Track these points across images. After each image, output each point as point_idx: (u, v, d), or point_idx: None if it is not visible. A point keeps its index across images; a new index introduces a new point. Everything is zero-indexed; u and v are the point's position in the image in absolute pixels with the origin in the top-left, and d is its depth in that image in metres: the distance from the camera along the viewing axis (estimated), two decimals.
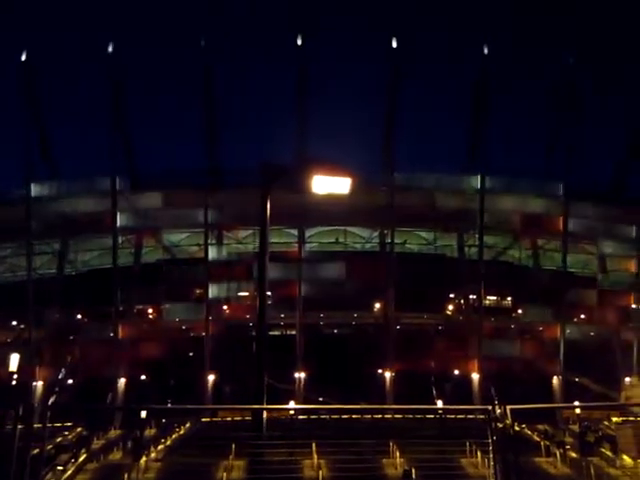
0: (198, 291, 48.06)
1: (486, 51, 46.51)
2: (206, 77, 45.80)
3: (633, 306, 49.79)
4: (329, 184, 7.37)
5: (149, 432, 33.83)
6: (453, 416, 29.61)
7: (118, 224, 46.31)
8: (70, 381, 42.77)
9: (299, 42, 44.78)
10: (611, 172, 51.35)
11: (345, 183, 7.34)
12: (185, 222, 48.12)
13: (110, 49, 45.20)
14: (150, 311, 50.48)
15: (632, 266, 50.71)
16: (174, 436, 32.69)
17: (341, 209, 42.69)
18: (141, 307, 50.01)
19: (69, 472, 23.94)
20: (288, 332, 48.15)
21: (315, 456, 23.58)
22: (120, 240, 47.91)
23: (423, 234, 53.76)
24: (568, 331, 47.89)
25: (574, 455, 27.19)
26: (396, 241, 48.07)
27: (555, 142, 49.69)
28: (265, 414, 6.99)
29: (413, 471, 20.32)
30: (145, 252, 52.11)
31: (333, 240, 53.28)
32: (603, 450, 28.41)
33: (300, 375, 44.76)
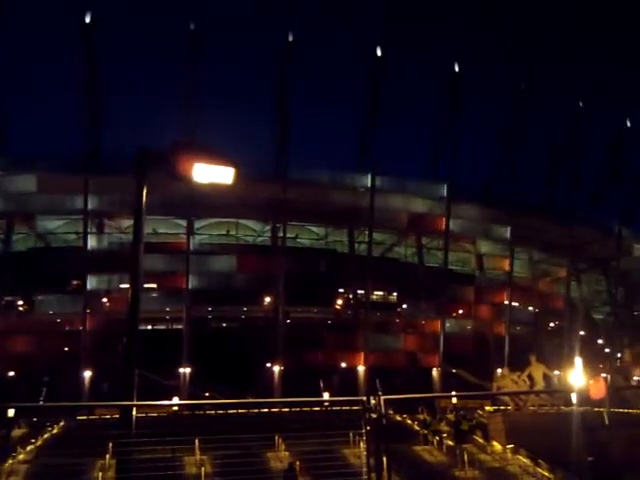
0: (75, 282, 45.30)
1: (379, 53, 47.61)
2: (88, 57, 42.99)
3: (506, 302, 53.21)
4: (211, 173, 6.93)
5: (18, 432, 31.51)
6: (338, 408, 30.01)
7: None
8: None
9: (191, 27, 43.36)
10: (489, 175, 54.57)
11: (228, 173, 6.92)
12: (61, 208, 45.18)
13: None
14: (21, 303, 46.95)
15: (506, 264, 54.16)
16: (46, 436, 30.58)
17: (233, 201, 41.98)
18: (11, 298, 46.36)
19: None
20: (174, 326, 46.75)
21: (198, 452, 23.02)
22: None
23: (314, 229, 54.27)
24: (448, 325, 50.41)
25: (450, 443, 28.55)
26: (288, 235, 48.13)
27: (440, 144, 51.96)
28: (135, 410, 6.52)
29: (297, 464, 20.35)
30: (16, 239, 48.31)
31: (224, 232, 52.37)
32: (476, 437, 30.09)
33: (186, 370, 43.52)
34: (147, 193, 7.12)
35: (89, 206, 43.61)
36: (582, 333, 54.13)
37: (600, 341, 60.26)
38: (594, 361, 50.76)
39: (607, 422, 27.29)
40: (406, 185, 50.41)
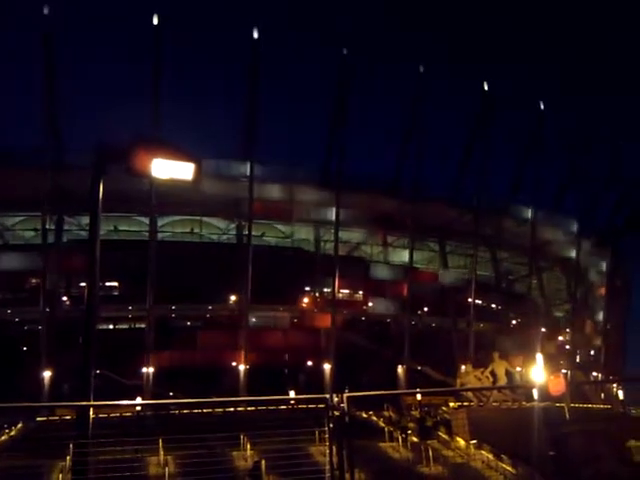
0: (34, 280, 44.14)
1: (345, 51, 47.65)
2: (46, 49, 41.77)
3: (469, 300, 53.95)
4: (171, 169, 6.78)
5: None
6: (304, 406, 29.98)
7: None
8: None
9: (155, 22, 42.65)
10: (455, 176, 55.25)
11: (189, 168, 6.78)
12: (19, 204, 43.96)
13: None
14: None
15: (469, 263, 54.90)
16: (3, 438, 29.74)
17: (197, 198, 41.53)
18: None
19: None
20: (137, 325, 46.02)
21: (162, 452, 22.68)
22: None
23: (280, 227, 54.06)
24: (413, 323, 50.88)
25: (414, 439, 28.78)
26: (253, 233, 47.79)
27: (405, 146, 52.37)
28: (96, 411, 6.36)
29: (263, 462, 20.21)
30: None
31: (188, 230, 51.75)
32: (440, 433, 30.41)
33: (149, 370, 42.83)
34: (108, 189, 6.96)
35: (48, 202, 42.53)
36: (543, 330, 55.26)
37: (561, 338, 61.63)
38: (555, 357, 51.96)
39: (568, 417, 27.91)
40: (372, 184, 50.64)
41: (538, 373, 31.90)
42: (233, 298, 48.33)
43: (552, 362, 46.24)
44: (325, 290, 50.73)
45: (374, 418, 33.74)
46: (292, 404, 33.06)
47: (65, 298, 45.00)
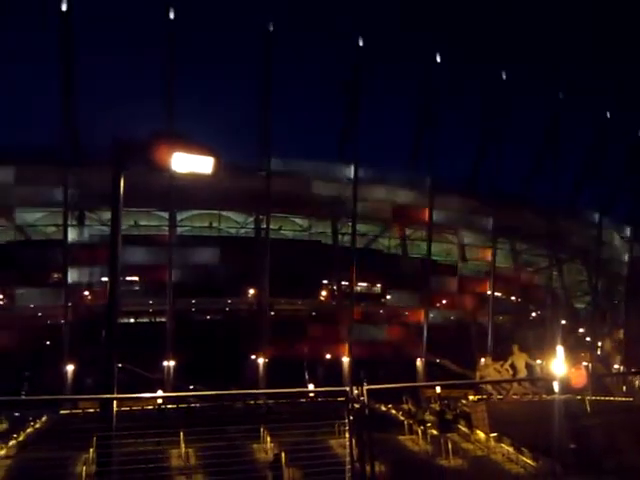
0: (56, 275, 44.75)
1: (361, 43, 47.40)
2: (64, 46, 42.07)
3: (488, 292, 53.58)
4: (190, 163, 6.82)
5: None
6: (323, 398, 30.09)
7: None
8: None
9: (171, 15, 42.72)
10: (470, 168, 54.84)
11: (208, 162, 6.82)
12: (41, 200, 44.53)
13: None
14: (0, 297, 46.27)
15: (488, 255, 54.48)
16: (29, 430, 30.28)
17: (216, 193, 41.76)
18: None
19: None
20: (158, 319, 46.50)
21: (183, 445, 22.93)
22: None
23: (298, 220, 54.12)
24: (431, 315, 50.68)
25: (434, 432, 28.74)
26: (271, 227, 47.92)
27: (419, 138, 52.06)
28: (115, 403, 6.47)
29: (283, 455, 20.33)
30: None
31: (207, 224, 52.07)
32: (460, 426, 30.31)
33: (170, 363, 43.30)
34: (127, 184, 7.03)
35: (69, 198, 43.05)
36: (564, 322, 54.73)
37: (581, 330, 60.98)
38: (576, 350, 51.44)
39: (589, 410, 27.65)
40: (389, 176, 50.47)
41: (558, 366, 31.64)
42: (252, 292, 48.60)
43: (573, 354, 45.79)
44: (343, 283, 50.77)
45: (393, 411, 33.75)
46: (311, 397, 33.19)
47: (87, 293, 45.61)
